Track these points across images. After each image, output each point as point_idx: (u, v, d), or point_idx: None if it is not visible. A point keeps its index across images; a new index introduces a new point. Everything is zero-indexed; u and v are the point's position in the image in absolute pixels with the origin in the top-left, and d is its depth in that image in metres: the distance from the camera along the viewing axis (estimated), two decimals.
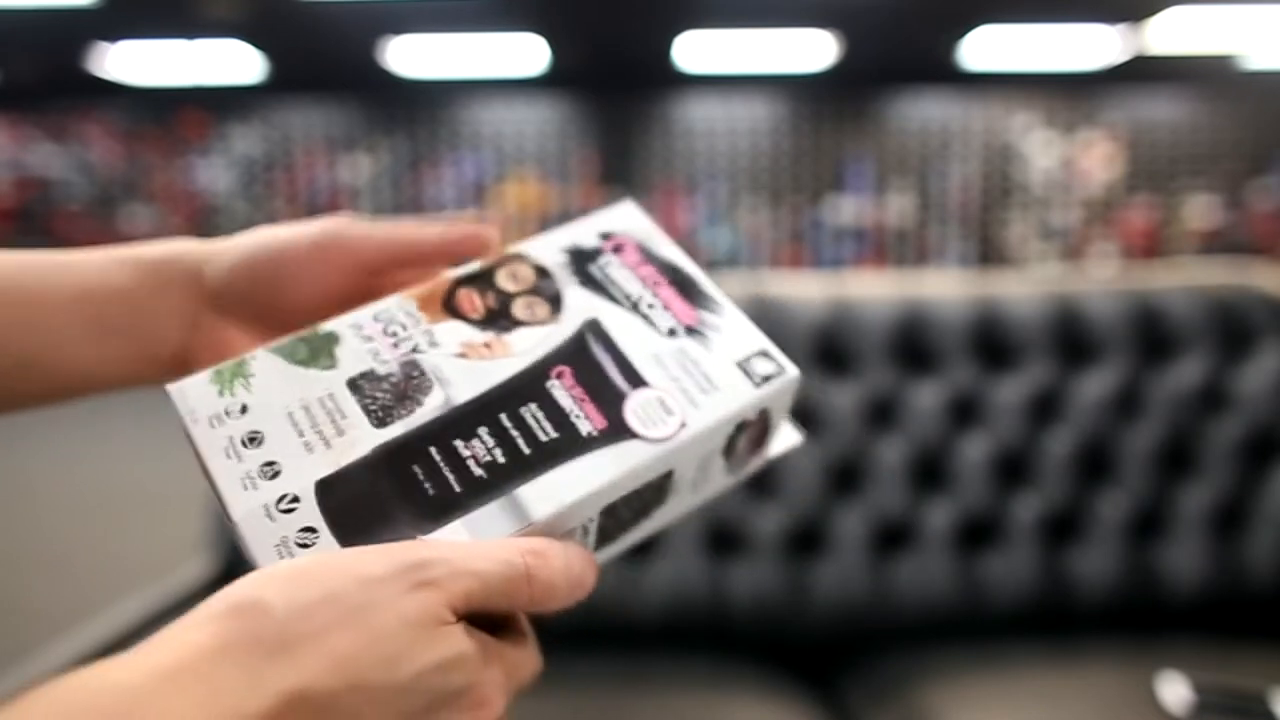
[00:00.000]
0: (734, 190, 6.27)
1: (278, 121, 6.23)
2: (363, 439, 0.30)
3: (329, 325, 0.33)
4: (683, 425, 0.32)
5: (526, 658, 0.28)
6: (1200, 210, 6.25)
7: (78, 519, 2.93)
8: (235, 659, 0.21)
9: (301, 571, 0.23)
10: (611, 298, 0.35)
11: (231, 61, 5.29)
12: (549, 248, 0.37)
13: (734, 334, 0.35)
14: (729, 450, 0.35)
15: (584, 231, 0.37)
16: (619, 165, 6.23)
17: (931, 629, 1.01)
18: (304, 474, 0.29)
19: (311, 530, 0.27)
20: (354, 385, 0.31)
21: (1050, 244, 6.29)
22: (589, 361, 0.33)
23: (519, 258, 0.36)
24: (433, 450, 0.30)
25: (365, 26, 4.63)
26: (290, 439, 0.29)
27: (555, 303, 0.34)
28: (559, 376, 0.32)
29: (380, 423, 0.30)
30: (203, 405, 0.30)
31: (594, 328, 0.34)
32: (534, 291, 0.35)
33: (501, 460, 0.30)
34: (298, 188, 6.26)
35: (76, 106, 6.10)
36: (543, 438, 0.31)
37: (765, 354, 0.35)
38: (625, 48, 5.15)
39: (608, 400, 0.32)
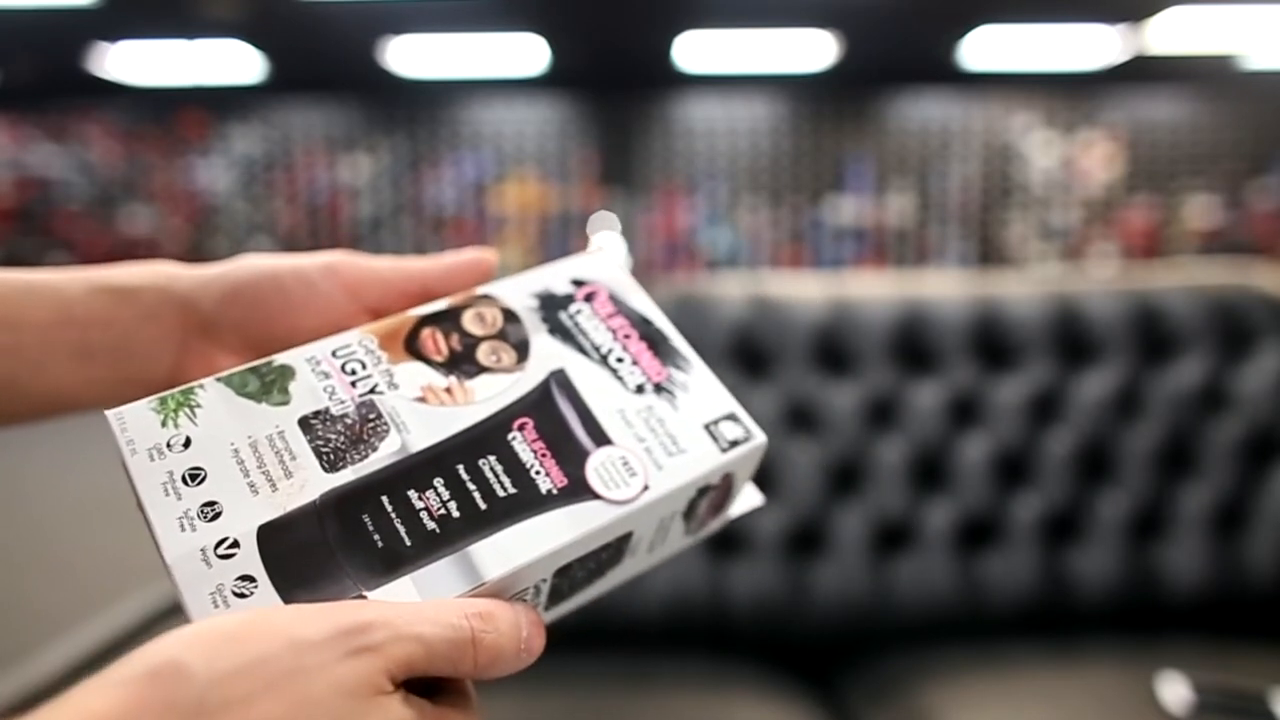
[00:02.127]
0: (734, 190, 6.27)
1: (278, 121, 6.23)
2: (311, 482, 0.28)
3: (283, 358, 0.31)
4: (645, 488, 0.31)
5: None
6: (1200, 210, 6.25)
7: (77, 520, 2.93)
8: None
9: (229, 634, 0.22)
10: (580, 348, 0.34)
11: (231, 61, 5.29)
12: (519, 291, 0.35)
13: (703, 394, 0.34)
14: (689, 513, 0.34)
15: (557, 276, 0.36)
16: (619, 165, 6.23)
17: (931, 629, 1.01)
18: (246, 517, 0.27)
19: (250, 579, 0.26)
20: (306, 424, 0.29)
21: (1050, 244, 6.29)
22: (553, 414, 0.32)
23: (487, 299, 0.35)
24: (384, 500, 0.28)
25: (365, 26, 4.63)
26: (234, 478, 0.28)
27: (522, 349, 0.33)
28: (521, 428, 0.31)
29: (331, 466, 0.28)
30: (142, 435, 0.28)
31: (560, 379, 0.33)
32: (500, 336, 0.33)
33: (456, 514, 0.29)
34: (298, 188, 6.26)
35: (76, 106, 6.10)
36: (500, 493, 0.29)
37: (733, 418, 0.34)
38: (625, 48, 5.15)
39: (570, 457, 0.31)
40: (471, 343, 0.33)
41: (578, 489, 0.30)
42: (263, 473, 0.28)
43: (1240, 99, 6.22)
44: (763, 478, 1.04)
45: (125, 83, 5.74)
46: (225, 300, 0.35)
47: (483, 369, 0.32)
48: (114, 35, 4.77)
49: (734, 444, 0.33)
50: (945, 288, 1.10)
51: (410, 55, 5.12)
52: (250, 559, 0.26)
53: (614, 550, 0.32)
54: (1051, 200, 6.28)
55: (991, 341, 1.07)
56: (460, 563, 0.28)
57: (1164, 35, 4.79)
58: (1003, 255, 6.36)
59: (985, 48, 5.18)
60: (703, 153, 6.23)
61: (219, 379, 0.30)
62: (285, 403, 0.30)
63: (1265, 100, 6.20)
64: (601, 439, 0.32)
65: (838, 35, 4.92)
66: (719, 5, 4.31)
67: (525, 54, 5.15)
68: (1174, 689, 0.83)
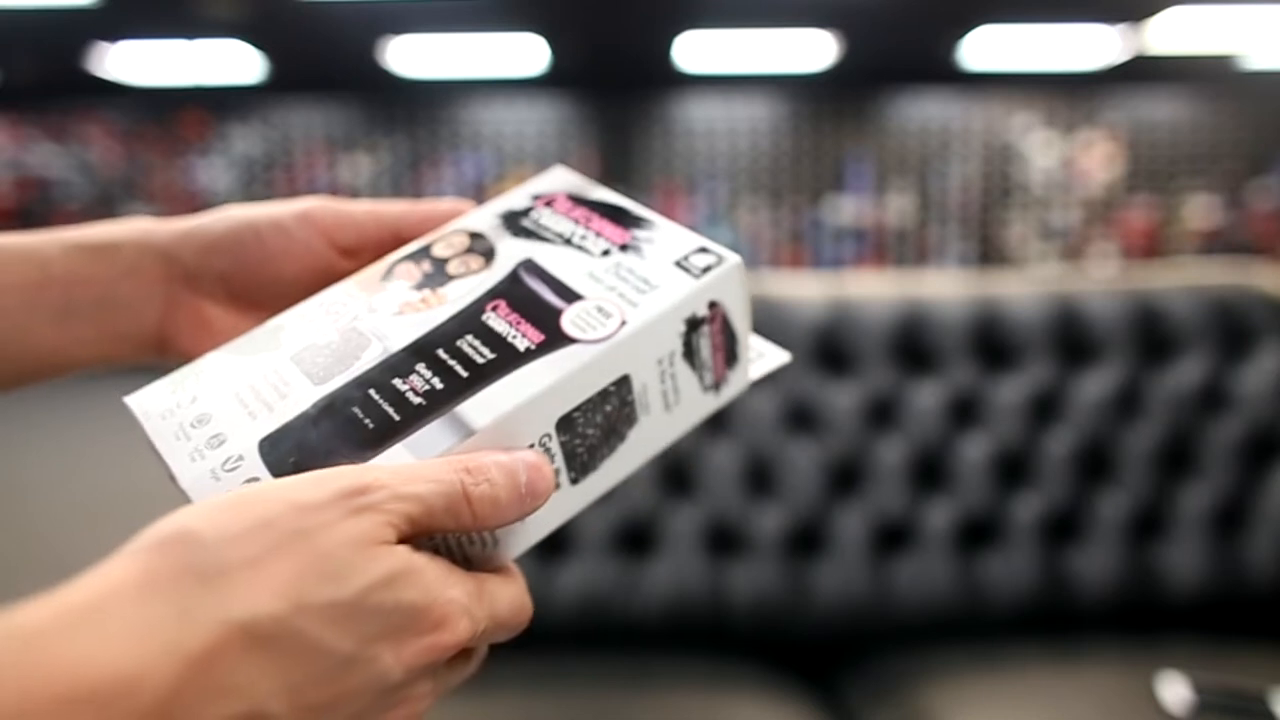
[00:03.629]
0: (734, 190, 6.27)
1: (278, 121, 6.23)
2: (304, 397, 0.30)
3: (275, 319, 0.34)
4: (622, 324, 0.31)
5: (511, 591, 0.27)
6: (1200, 210, 6.25)
7: (77, 519, 2.93)
8: (162, 592, 0.20)
9: (234, 502, 0.22)
10: (543, 239, 0.35)
11: (231, 61, 5.29)
12: (483, 216, 0.38)
13: (671, 241, 0.34)
14: (691, 356, 0.33)
15: (516, 197, 0.38)
16: (619, 165, 6.23)
17: (931, 629, 1.01)
18: (248, 436, 0.29)
19: (255, 480, 0.27)
20: (296, 358, 0.32)
21: (1050, 244, 6.29)
22: (523, 291, 0.33)
23: (455, 231, 0.37)
24: (372, 392, 0.30)
25: (365, 26, 4.63)
26: (236, 413, 0.30)
27: (489, 255, 0.35)
28: (494, 309, 0.32)
29: (320, 381, 0.31)
30: (157, 406, 0.31)
31: (527, 265, 0.34)
32: (467, 251, 0.36)
33: (440, 387, 0.30)
34: (298, 188, 6.25)
35: (76, 106, 6.10)
36: (480, 361, 0.30)
37: (704, 250, 0.34)
38: (625, 48, 5.15)
39: (544, 319, 0.32)
40: (441, 262, 0.35)
41: (555, 340, 0.31)
42: (261, 402, 0.30)
43: (1240, 99, 6.22)
44: (763, 478, 1.04)
45: (125, 83, 5.74)
46: (206, 251, 0.36)
47: (453, 278, 0.34)
48: (114, 35, 4.77)
49: (706, 269, 0.33)
50: (945, 288, 1.10)
51: (410, 55, 5.12)
52: (254, 465, 0.28)
53: (618, 401, 0.32)
54: (1051, 200, 6.28)
55: (991, 341, 1.07)
56: (450, 422, 0.28)
57: (1164, 35, 4.79)
58: (1003, 255, 6.36)
59: (985, 48, 5.18)
60: (703, 153, 6.24)
61: (219, 350, 0.33)
62: (277, 348, 0.33)
63: (1265, 100, 6.20)
64: (573, 297, 0.32)
65: (838, 35, 4.92)
66: (719, 5, 4.31)
67: (525, 54, 5.15)
68: (1174, 689, 0.83)
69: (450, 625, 0.24)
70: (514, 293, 0.33)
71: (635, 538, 1.02)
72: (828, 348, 1.06)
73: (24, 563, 2.57)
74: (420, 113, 6.21)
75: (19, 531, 2.84)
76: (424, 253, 0.36)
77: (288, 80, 5.84)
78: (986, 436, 1.05)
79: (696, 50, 5.12)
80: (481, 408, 0.29)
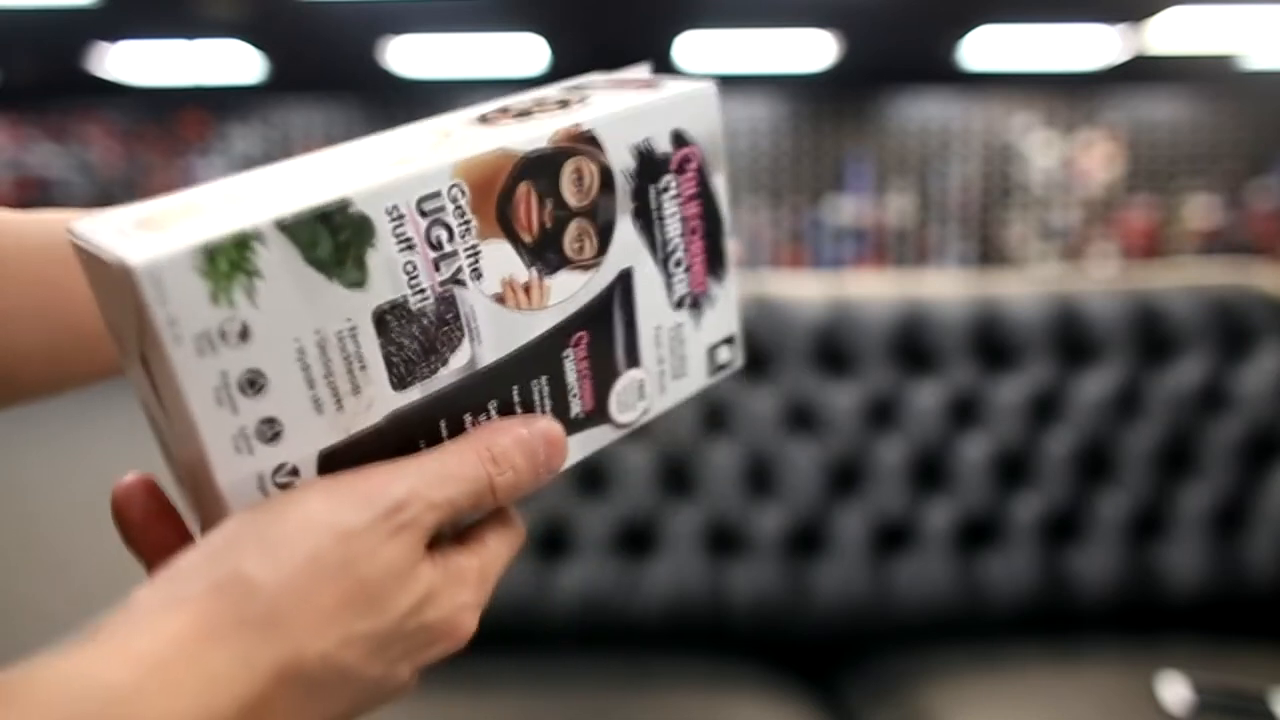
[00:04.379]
0: (734, 190, 6.27)
1: (278, 121, 6.23)
2: (378, 402, 0.25)
3: (361, 200, 0.24)
4: (645, 411, 0.33)
5: (505, 540, 0.28)
6: (1200, 210, 6.25)
7: (78, 519, 2.93)
8: (224, 643, 0.20)
9: (278, 536, 0.22)
10: (651, 243, 0.32)
11: (231, 61, 5.29)
12: (622, 135, 0.30)
13: (722, 311, 0.35)
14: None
15: (660, 121, 0.31)
16: None
17: (931, 629, 1.01)
18: (308, 440, 0.24)
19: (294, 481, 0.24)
20: (381, 322, 0.25)
21: (1050, 244, 6.29)
22: (606, 328, 0.31)
23: (590, 145, 0.29)
24: (442, 423, 0.27)
25: (365, 26, 4.63)
26: (298, 389, 0.24)
27: (605, 234, 0.30)
28: (575, 344, 0.30)
29: (400, 382, 0.26)
30: (189, 313, 0.21)
31: (625, 283, 0.31)
32: (590, 213, 0.30)
33: None
34: None
35: (76, 106, 6.11)
36: (539, 412, 0.30)
37: (731, 340, 0.36)
38: (625, 48, 5.15)
39: (604, 379, 0.32)
40: (563, 219, 0.29)
41: (598, 415, 0.32)
42: (329, 385, 0.24)
43: (1240, 99, 6.22)
44: (763, 478, 1.04)
45: (125, 83, 5.74)
46: None
47: (564, 261, 0.29)
48: (114, 35, 4.77)
49: (720, 368, 0.35)
50: (945, 288, 1.10)
51: (410, 55, 5.12)
52: (308, 476, 0.25)
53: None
54: (1051, 200, 6.28)
55: (991, 341, 1.07)
56: None
57: (1164, 35, 4.79)
58: (1003, 255, 6.36)
59: (985, 48, 5.18)
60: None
61: (280, 226, 0.22)
62: (360, 284, 0.24)
63: (1265, 100, 6.20)
64: (633, 360, 0.32)
65: (838, 35, 4.92)
66: (719, 5, 4.31)
67: (525, 54, 5.15)
68: (1174, 689, 0.83)
69: (461, 631, 0.26)
70: (598, 327, 0.31)
71: (635, 538, 1.02)
72: (828, 348, 1.06)
73: (24, 563, 2.57)
74: (420, 113, 6.21)
75: (19, 531, 2.84)
76: (552, 177, 0.28)
77: (288, 80, 5.84)
78: (986, 436, 1.05)
79: (696, 50, 5.12)
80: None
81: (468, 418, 0.28)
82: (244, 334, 0.22)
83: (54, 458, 3.77)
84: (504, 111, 0.31)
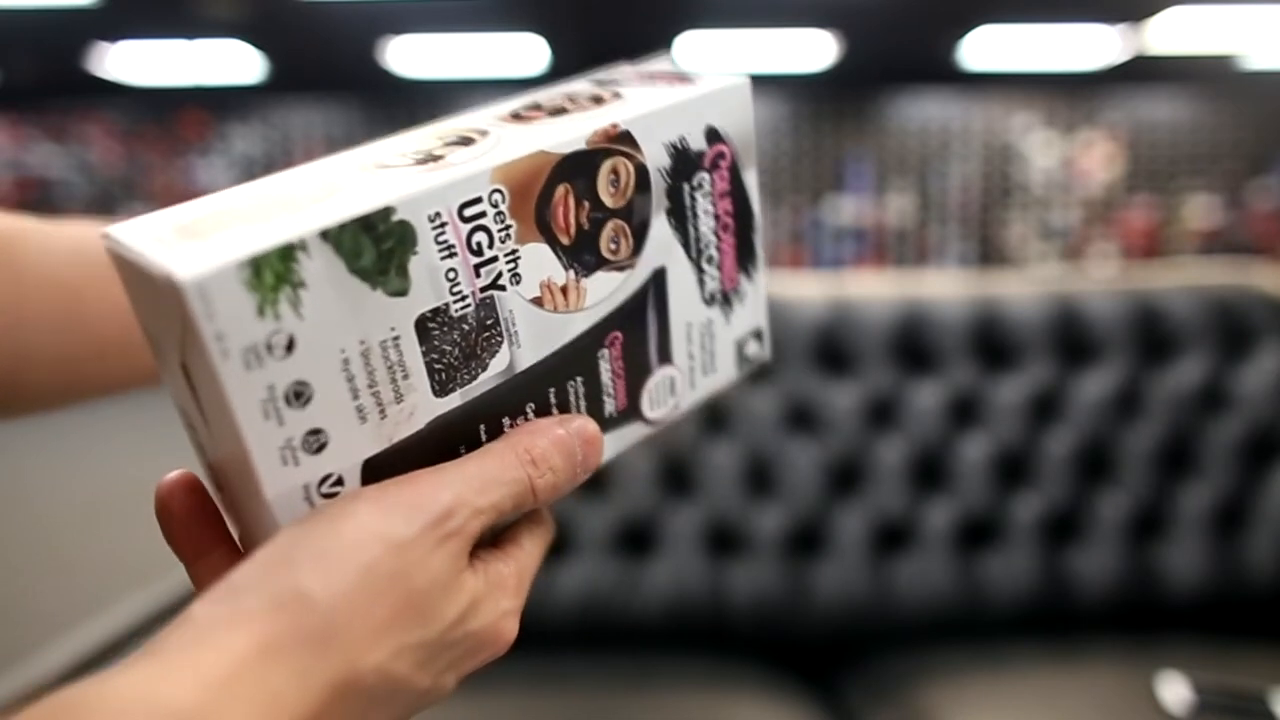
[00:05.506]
0: None
1: (278, 121, 6.23)
2: (420, 409, 0.25)
3: (403, 206, 0.24)
4: (676, 407, 0.33)
5: (538, 541, 0.29)
6: (1200, 210, 6.25)
7: (78, 519, 2.93)
8: (284, 661, 0.20)
9: (333, 550, 0.22)
10: (685, 240, 0.32)
11: (231, 61, 5.29)
12: (656, 131, 0.30)
13: (751, 305, 0.35)
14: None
15: (694, 118, 0.31)
16: None
17: (931, 629, 1.01)
18: (352, 450, 0.24)
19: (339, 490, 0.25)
20: (423, 328, 0.25)
21: (1050, 244, 6.29)
22: (639, 328, 0.31)
23: (627, 143, 0.29)
24: (481, 427, 0.27)
25: (365, 26, 4.63)
26: (342, 399, 0.24)
27: (640, 233, 0.30)
28: (610, 344, 0.30)
29: (441, 389, 0.26)
30: (236, 326, 0.21)
31: (659, 282, 0.31)
32: (626, 213, 0.30)
33: None
34: None
35: (76, 106, 6.10)
36: (575, 410, 0.31)
37: (759, 334, 0.36)
38: (625, 48, 5.15)
39: (636, 377, 0.32)
40: (600, 219, 0.29)
41: (631, 413, 0.32)
42: (373, 394, 0.24)
43: (1240, 99, 6.22)
44: (763, 478, 1.04)
45: (125, 83, 5.74)
46: None
47: (600, 261, 0.29)
48: (114, 35, 4.77)
49: (746, 361, 0.36)
50: (945, 288, 1.10)
51: (410, 55, 5.12)
52: (353, 486, 0.25)
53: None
54: (1051, 200, 6.28)
55: (991, 341, 1.07)
56: None
57: (1164, 35, 4.79)
58: (1003, 255, 6.36)
59: (985, 48, 5.18)
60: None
61: (325, 236, 0.22)
62: (403, 291, 0.24)
63: (1265, 100, 6.20)
64: (665, 358, 0.32)
65: (838, 35, 4.92)
66: (719, 5, 4.31)
67: (525, 54, 5.15)
68: (1174, 689, 0.83)
69: (503, 638, 0.26)
70: (632, 327, 0.31)
71: (635, 538, 1.02)
72: (828, 348, 1.06)
73: (25, 562, 2.57)
74: (420, 113, 6.21)
75: (20, 531, 2.84)
76: (589, 177, 0.28)
77: (288, 80, 5.84)
78: (986, 436, 1.05)
79: (697, 50, 5.12)
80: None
81: (506, 420, 0.28)
82: (290, 346, 0.22)
83: (58, 460, 3.77)
84: (537, 108, 0.30)
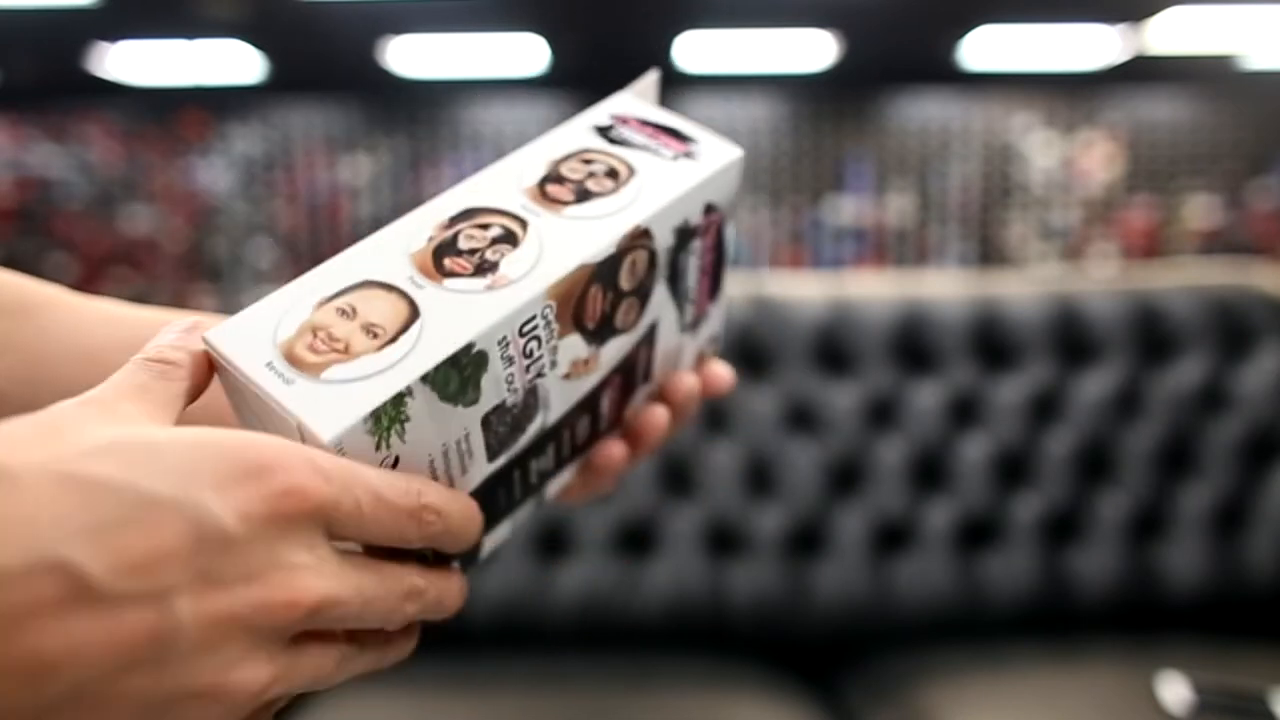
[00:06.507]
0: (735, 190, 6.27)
1: (278, 121, 6.23)
2: (476, 475, 0.31)
3: (482, 340, 0.28)
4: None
5: (346, 654, 0.25)
6: (1200, 210, 6.25)
7: None
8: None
9: (87, 439, 0.21)
10: (675, 293, 0.36)
11: (231, 61, 5.29)
12: (668, 221, 0.33)
13: (713, 321, 0.41)
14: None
15: (696, 200, 0.34)
16: None
17: (931, 629, 1.01)
18: None
19: None
20: (485, 422, 0.30)
21: (1050, 244, 6.29)
22: (634, 365, 0.36)
23: (645, 238, 0.33)
24: (515, 473, 0.33)
25: (365, 26, 4.63)
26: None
27: (644, 301, 0.35)
28: (611, 385, 0.36)
29: (492, 456, 0.31)
30: (358, 460, 0.26)
31: (652, 331, 0.36)
32: (638, 291, 0.34)
33: (551, 467, 0.36)
34: (298, 188, 6.25)
35: (76, 106, 6.10)
36: (579, 441, 0.36)
37: (715, 339, 0.42)
38: (625, 48, 5.15)
39: (625, 398, 0.37)
40: (617, 301, 0.33)
41: (615, 424, 0.38)
42: (447, 475, 0.29)
43: (1240, 99, 6.21)
44: (763, 478, 1.04)
45: (125, 83, 5.74)
46: None
47: (614, 333, 0.34)
48: (114, 35, 4.77)
49: (701, 361, 0.42)
50: (945, 288, 1.10)
51: (410, 55, 5.12)
52: None
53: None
54: (1051, 200, 6.28)
55: (991, 341, 1.07)
56: (538, 501, 0.37)
57: (1164, 35, 4.79)
58: (1003, 255, 6.36)
59: (985, 48, 5.18)
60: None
61: (425, 379, 0.26)
62: (475, 401, 0.29)
63: (1265, 100, 6.20)
64: (647, 378, 0.38)
65: (838, 35, 4.92)
66: (719, 5, 4.31)
67: (525, 54, 5.15)
68: (1174, 689, 0.83)
69: (230, 687, 0.21)
70: (628, 368, 0.36)
71: (635, 538, 1.02)
72: (828, 348, 1.06)
73: None
74: (420, 113, 6.21)
75: None
76: (612, 275, 0.32)
77: (288, 80, 5.84)
78: (986, 436, 1.05)
79: (696, 50, 5.12)
80: (556, 485, 0.38)
81: (533, 463, 0.34)
82: (395, 464, 0.27)
83: None
84: (560, 182, 0.33)
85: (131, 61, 5.19)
